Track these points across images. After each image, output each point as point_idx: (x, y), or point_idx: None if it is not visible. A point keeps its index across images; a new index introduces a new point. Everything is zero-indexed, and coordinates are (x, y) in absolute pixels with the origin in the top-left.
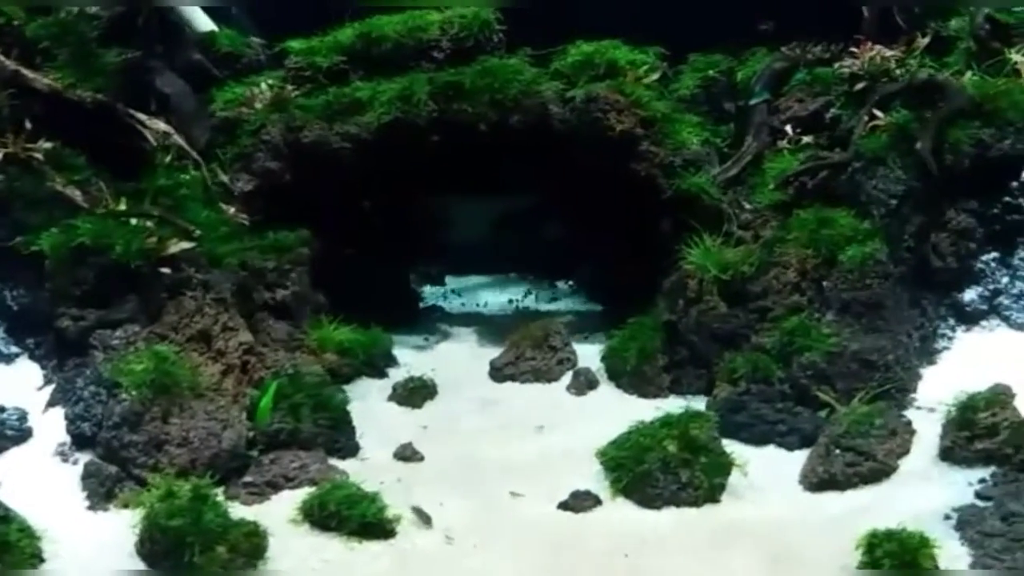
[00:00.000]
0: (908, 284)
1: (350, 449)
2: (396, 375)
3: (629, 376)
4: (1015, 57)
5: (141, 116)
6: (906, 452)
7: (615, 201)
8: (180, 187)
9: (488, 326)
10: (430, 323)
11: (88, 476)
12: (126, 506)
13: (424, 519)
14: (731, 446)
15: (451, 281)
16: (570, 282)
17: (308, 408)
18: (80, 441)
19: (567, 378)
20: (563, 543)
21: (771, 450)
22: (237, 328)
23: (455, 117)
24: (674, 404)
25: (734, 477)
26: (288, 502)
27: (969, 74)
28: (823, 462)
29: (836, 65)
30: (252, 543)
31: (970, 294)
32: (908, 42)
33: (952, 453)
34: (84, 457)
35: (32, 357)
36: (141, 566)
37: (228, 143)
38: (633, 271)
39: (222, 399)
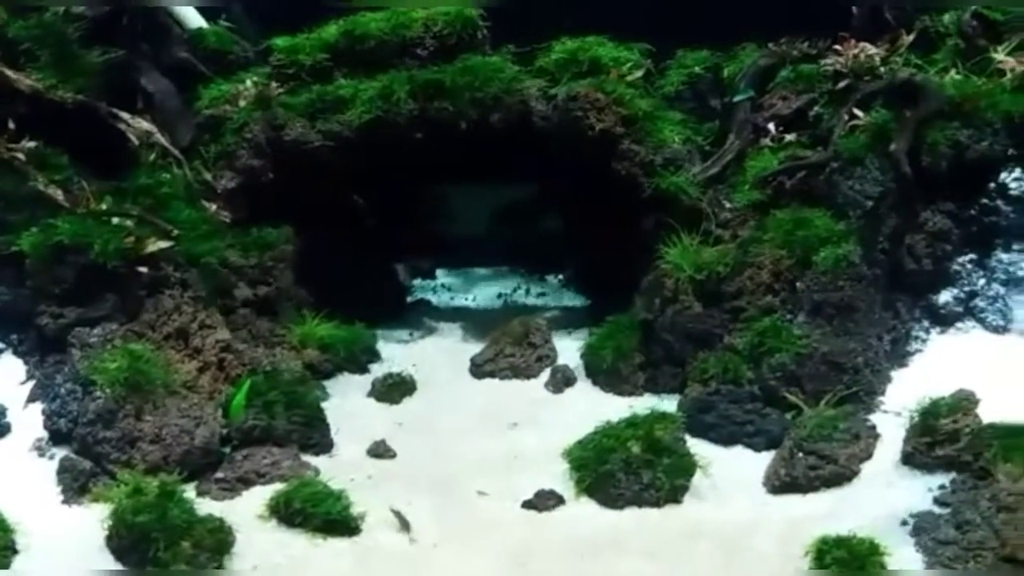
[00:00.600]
0: (882, 286)
1: (324, 446)
2: (378, 371)
3: (605, 374)
4: (998, 56)
5: (124, 115)
6: (869, 456)
7: (603, 197)
8: (162, 186)
9: (475, 321)
10: (417, 318)
11: (63, 471)
12: (98, 501)
13: (403, 523)
14: (699, 446)
15: (443, 275)
16: (561, 276)
17: (282, 405)
18: (57, 437)
19: (546, 375)
20: (522, 543)
21: (738, 451)
22: (215, 326)
23: (436, 115)
24: (648, 403)
25: (698, 478)
26: (259, 498)
27: (953, 72)
28: (786, 465)
29: (820, 62)
30: (217, 539)
31: (945, 296)
32: (892, 39)
33: (913, 458)
34: (60, 452)
35: (15, 353)
36: (110, 559)
37: (213, 141)
38: (620, 267)
39: (197, 396)
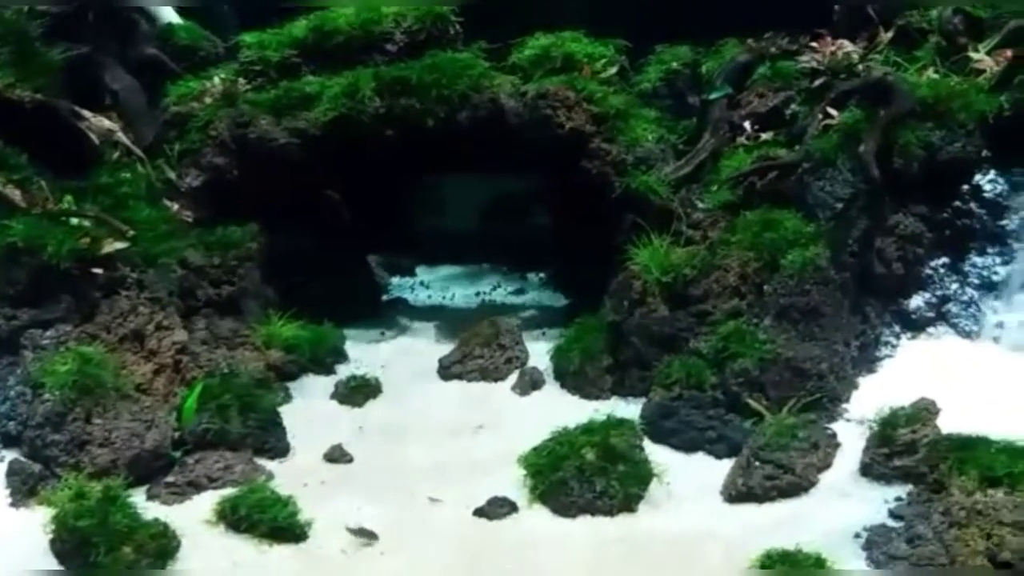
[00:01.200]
0: (850, 290)
1: (280, 450)
2: (345, 372)
3: (573, 377)
4: (975, 56)
5: (86, 113)
6: (828, 466)
7: (582, 195)
8: (122, 185)
9: (450, 320)
10: (391, 317)
11: (12, 474)
12: (45, 504)
13: (367, 536)
14: (660, 452)
15: (423, 272)
16: (542, 275)
17: (236, 409)
18: (7, 439)
19: (514, 377)
20: (469, 551)
21: (700, 457)
22: (172, 327)
23: (403, 113)
24: (615, 406)
25: (654, 486)
26: (210, 503)
27: (931, 71)
28: (743, 474)
29: (797, 60)
30: (159, 544)
31: (917, 300)
32: (871, 37)
33: (871, 469)
34: (11, 455)
35: None
36: (55, 563)
37: (179, 139)
38: (598, 266)
39: (150, 399)
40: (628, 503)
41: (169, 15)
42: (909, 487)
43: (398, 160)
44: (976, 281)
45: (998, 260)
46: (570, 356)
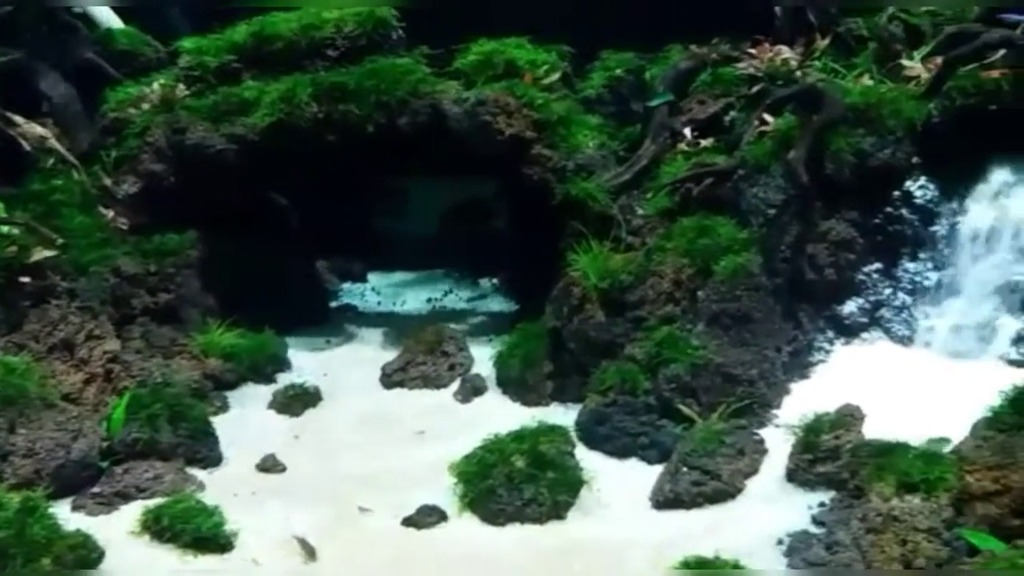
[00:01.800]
0: (783, 296)
1: (212, 459)
2: (286, 380)
3: (514, 383)
4: (907, 63)
5: (18, 120)
6: (755, 472)
7: (531, 202)
8: (54, 192)
9: (399, 327)
10: (338, 324)
11: None
12: None
13: (308, 550)
14: (594, 459)
15: (376, 278)
16: (494, 281)
17: (165, 418)
18: None
19: (456, 385)
20: (394, 561)
21: (633, 463)
22: (104, 336)
23: (341, 118)
24: (555, 413)
25: (585, 493)
26: (136, 513)
27: (866, 78)
28: (671, 480)
29: (736, 66)
30: (78, 555)
31: (850, 306)
32: (808, 43)
33: (796, 475)
34: None
35: None
36: None
37: (116, 145)
38: (547, 272)
39: (78, 409)
40: (557, 510)
41: (111, 20)
42: (832, 493)
43: (347, 166)
44: (908, 286)
45: (930, 265)
46: (511, 363)
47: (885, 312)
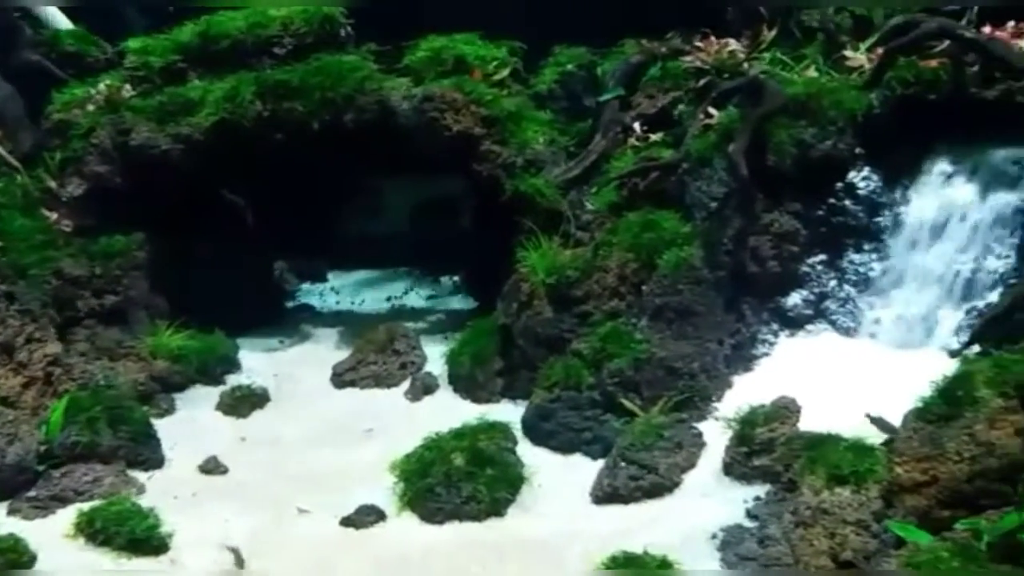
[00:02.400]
0: (725, 288)
1: (154, 462)
2: (236, 381)
3: (464, 381)
4: (850, 54)
5: None
6: (692, 466)
7: (487, 198)
8: None
9: (355, 326)
10: (294, 324)
11: None
12: None
13: (238, 560)
14: (539, 454)
15: (336, 277)
16: (455, 279)
17: (105, 421)
18: None
19: (408, 383)
20: (330, 562)
21: (577, 459)
22: (45, 339)
23: (287, 116)
24: (504, 409)
25: (526, 489)
26: (74, 516)
27: (812, 70)
28: (609, 475)
29: (683, 60)
30: (8, 558)
31: (795, 298)
32: (754, 35)
33: (733, 469)
34: None
35: None
36: None
37: (61, 147)
38: (503, 269)
39: (15, 412)
40: (496, 507)
41: (59, 21)
42: (768, 486)
43: (308, 165)
44: (853, 278)
45: (874, 256)
46: (461, 360)
47: (830, 304)
